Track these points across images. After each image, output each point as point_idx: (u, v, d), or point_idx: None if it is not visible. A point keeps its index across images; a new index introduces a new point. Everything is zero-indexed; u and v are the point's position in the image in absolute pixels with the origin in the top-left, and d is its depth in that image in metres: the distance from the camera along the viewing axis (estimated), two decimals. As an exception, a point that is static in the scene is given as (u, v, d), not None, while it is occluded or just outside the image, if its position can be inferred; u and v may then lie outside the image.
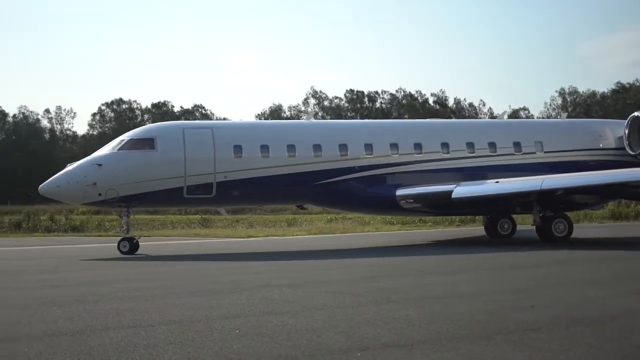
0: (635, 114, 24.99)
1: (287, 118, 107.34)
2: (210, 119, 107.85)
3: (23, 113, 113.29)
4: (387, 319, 8.69)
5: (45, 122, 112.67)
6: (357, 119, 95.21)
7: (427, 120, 40.49)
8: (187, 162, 20.61)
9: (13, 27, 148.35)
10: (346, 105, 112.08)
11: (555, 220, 22.36)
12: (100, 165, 20.25)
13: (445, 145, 23.69)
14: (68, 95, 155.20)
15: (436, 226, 34.84)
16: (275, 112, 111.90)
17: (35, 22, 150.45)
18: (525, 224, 25.49)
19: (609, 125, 26.51)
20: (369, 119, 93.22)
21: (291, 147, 21.75)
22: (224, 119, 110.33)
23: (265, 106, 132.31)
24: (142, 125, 30.61)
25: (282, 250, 22.41)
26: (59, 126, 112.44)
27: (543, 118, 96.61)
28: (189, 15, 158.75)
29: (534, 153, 24.68)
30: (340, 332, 7.91)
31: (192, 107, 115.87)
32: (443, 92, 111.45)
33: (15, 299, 11.49)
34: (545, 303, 9.71)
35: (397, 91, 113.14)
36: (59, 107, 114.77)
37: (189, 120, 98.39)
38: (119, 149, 20.72)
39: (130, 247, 20.52)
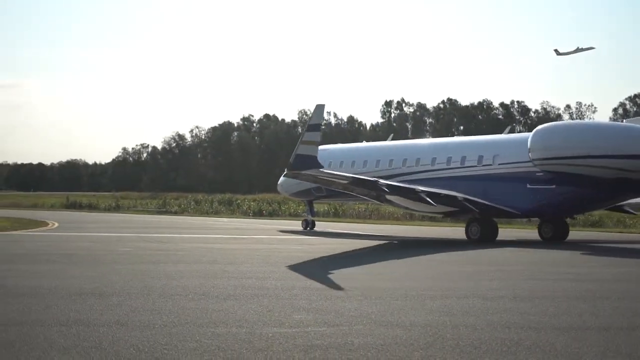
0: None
1: None
2: None
3: (545, 108, 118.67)
4: None
5: (565, 117, 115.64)
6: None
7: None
8: None
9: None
10: None
11: (471, 223, 25.15)
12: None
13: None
14: (589, 91, 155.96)
15: None
16: None
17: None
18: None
19: None
20: None
21: (352, 162, 31.69)
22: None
23: None
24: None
25: None
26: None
27: None
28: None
29: None
30: None
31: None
32: None
33: (476, 289, 12.06)
34: None
35: None
36: (579, 103, 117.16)
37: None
38: None
39: (306, 225, 33.27)
